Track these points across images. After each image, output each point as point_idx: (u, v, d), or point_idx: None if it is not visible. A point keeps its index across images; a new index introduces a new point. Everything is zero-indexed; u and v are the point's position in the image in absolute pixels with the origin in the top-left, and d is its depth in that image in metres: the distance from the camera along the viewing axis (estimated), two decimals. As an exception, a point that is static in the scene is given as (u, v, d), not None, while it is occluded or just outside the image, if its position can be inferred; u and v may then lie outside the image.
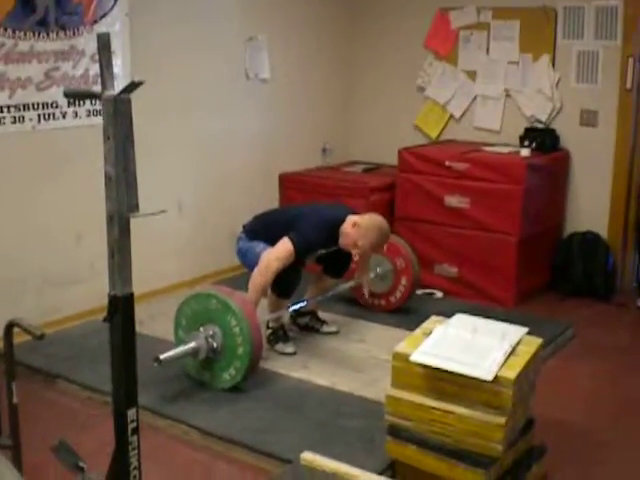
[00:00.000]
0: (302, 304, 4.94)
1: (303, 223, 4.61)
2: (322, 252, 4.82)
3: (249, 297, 4.44)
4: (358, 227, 4.59)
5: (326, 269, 5.04)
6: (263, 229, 4.79)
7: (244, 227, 4.93)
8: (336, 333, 5.08)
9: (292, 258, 4.49)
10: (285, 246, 4.48)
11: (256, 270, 4.51)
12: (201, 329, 4.19)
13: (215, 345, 4.15)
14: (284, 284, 4.59)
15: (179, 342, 4.28)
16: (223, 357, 4.16)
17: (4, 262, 4.74)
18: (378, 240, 4.67)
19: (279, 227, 4.63)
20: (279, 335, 4.81)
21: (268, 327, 4.80)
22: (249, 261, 4.75)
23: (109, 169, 2.42)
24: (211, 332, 4.16)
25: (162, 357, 3.99)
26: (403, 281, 5.39)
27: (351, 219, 4.65)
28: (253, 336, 4.10)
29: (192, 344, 4.14)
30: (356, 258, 4.91)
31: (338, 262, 5.00)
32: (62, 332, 4.92)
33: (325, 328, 5.10)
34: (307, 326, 5.11)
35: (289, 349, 4.75)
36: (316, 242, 4.64)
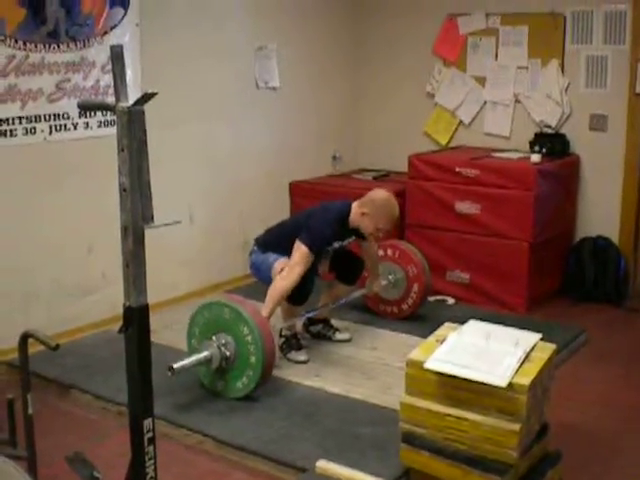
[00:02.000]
0: (315, 312, 4.95)
1: (311, 222, 4.65)
2: (338, 245, 4.83)
3: (268, 304, 4.45)
4: (367, 215, 4.65)
5: (339, 276, 5.04)
6: (275, 241, 4.80)
7: (256, 240, 4.94)
8: (349, 340, 5.08)
9: (310, 257, 4.52)
10: (299, 250, 4.51)
11: (278, 277, 4.52)
12: (214, 338, 4.19)
13: (228, 354, 4.16)
14: (298, 291, 4.59)
15: (192, 351, 4.29)
16: (236, 366, 4.17)
17: (17, 274, 4.76)
18: (391, 213, 4.70)
19: (290, 236, 4.64)
20: (292, 343, 4.81)
21: (281, 335, 4.81)
22: (263, 274, 4.77)
23: (123, 180, 2.43)
24: (224, 341, 4.17)
25: (175, 366, 4.00)
26: (415, 288, 5.39)
27: (357, 210, 4.69)
28: (265, 345, 4.10)
29: (205, 353, 4.15)
30: (381, 234, 4.84)
31: (351, 268, 5.01)
32: (75, 343, 4.92)
33: (338, 335, 5.10)
34: (320, 334, 5.11)
35: (302, 357, 4.75)
36: (328, 235, 4.67)
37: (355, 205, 4.72)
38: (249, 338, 4.10)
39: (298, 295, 4.62)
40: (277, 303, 4.50)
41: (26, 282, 4.82)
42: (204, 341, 4.23)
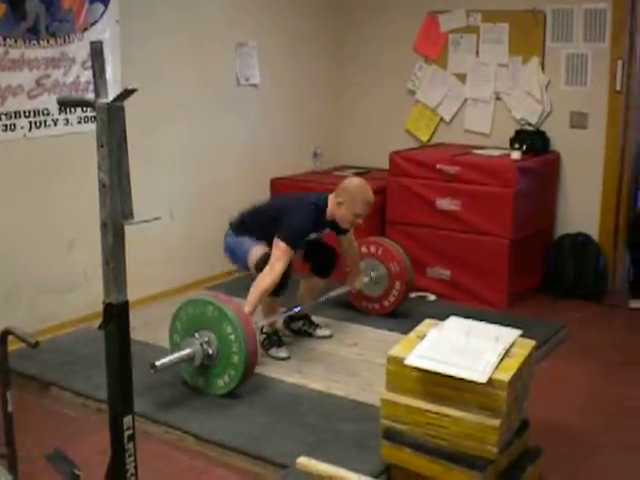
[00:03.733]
0: (296, 309, 4.96)
1: (288, 216, 4.68)
2: (314, 236, 4.86)
3: (250, 301, 4.46)
4: (343, 204, 4.70)
5: (313, 268, 5.05)
6: (249, 224, 4.85)
7: (231, 224, 4.96)
8: (330, 337, 5.09)
9: (290, 253, 4.55)
10: (279, 247, 4.53)
11: (260, 276, 4.53)
12: (196, 335, 4.19)
13: (210, 352, 4.15)
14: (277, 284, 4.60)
15: (174, 346, 4.29)
16: (218, 364, 4.16)
17: (-4, 270, 4.74)
18: (366, 197, 4.73)
19: (265, 221, 4.75)
20: (273, 340, 4.81)
21: (262, 332, 4.81)
22: (237, 257, 4.85)
23: (103, 176, 2.42)
24: (206, 339, 4.16)
25: (158, 364, 3.99)
26: (397, 285, 5.40)
27: (333, 201, 4.74)
28: (248, 344, 4.10)
29: (187, 351, 4.14)
30: (360, 221, 4.85)
31: (325, 260, 5.03)
32: (55, 339, 4.90)
33: (319, 332, 5.11)
34: (300, 330, 5.12)
35: (283, 354, 4.76)
36: (306, 230, 4.71)
37: (331, 197, 4.76)
38: (232, 337, 4.09)
39: (277, 287, 4.62)
40: (259, 300, 4.51)
41: (6, 279, 4.79)
42: (187, 338, 4.21)
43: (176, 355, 4.15)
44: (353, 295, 5.46)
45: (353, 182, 4.82)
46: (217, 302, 4.18)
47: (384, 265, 5.43)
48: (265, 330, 4.82)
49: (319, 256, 5.02)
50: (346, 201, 4.69)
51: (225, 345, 4.12)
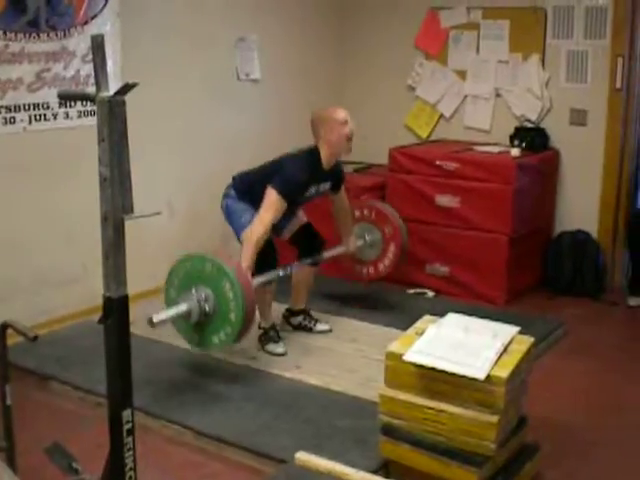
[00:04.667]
0: (296, 265, 4.93)
1: (283, 167, 4.69)
2: (314, 191, 4.84)
3: (245, 256, 4.42)
4: (327, 134, 4.75)
5: (300, 252, 5.02)
6: (252, 184, 4.77)
7: (233, 179, 4.92)
8: (329, 331, 5.10)
9: (282, 204, 4.55)
10: (270, 196, 4.53)
11: (249, 230, 4.52)
12: (193, 290, 4.10)
13: (207, 309, 4.07)
14: (260, 260, 4.57)
15: (169, 301, 4.22)
16: (214, 321, 4.09)
17: (-5, 263, 4.74)
18: (337, 113, 4.81)
19: (266, 179, 4.66)
20: (270, 335, 4.81)
21: (259, 327, 4.81)
22: (232, 222, 4.79)
23: (103, 170, 2.42)
24: (204, 295, 4.07)
25: (155, 319, 3.95)
26: (392, 248, 5.40)
27: (321, 143, 4.79)
28: (246, 303, 4.03)
29: (184, 307, 4.07)
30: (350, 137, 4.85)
31: (311, 244, 5.02)
32: (54, 333, 4.91)
33: (319, 326, 5.12)
34: (300, 325, 5.13)
35: (279, 349, 4.76)
36: (301, 181, 4.68)
37: (319, 143, 4.79)
38: (230, 294, 4.02)
39: (261, 264, 4.59)
40: (254, 253, 4.45)
41: (5, 272, 4.80)
42: (184, 292, 4.14)
43: (173, 311, 4.08)
44: (345, 260, 5.45)
45: (315, 114, 4.87)
46: (216, 260, 4.11)
47: (378, 228, 5.42)
48: (262, 325, 4.83)
49: (306, 240, 5.01)
50: (327, 129, 4.74)
51: (223, 302, 4.05)
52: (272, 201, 4.52)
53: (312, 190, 4.82)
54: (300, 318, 5.14)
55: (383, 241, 5.43)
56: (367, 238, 5.44)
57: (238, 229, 4.71)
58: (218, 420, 3.94)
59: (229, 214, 4.84)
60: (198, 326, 4.15)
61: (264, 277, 4.63)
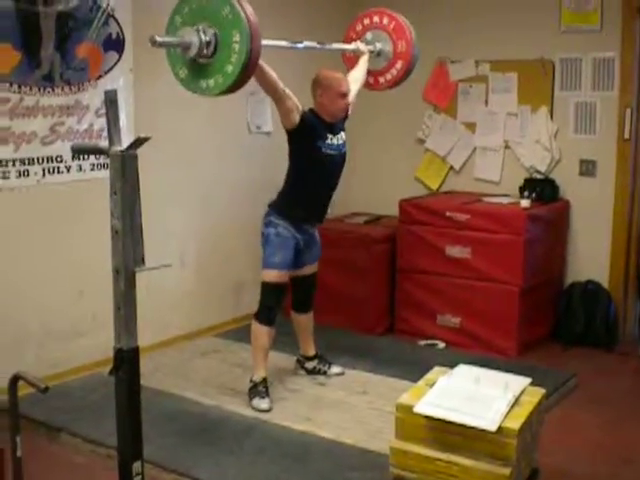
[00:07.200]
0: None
1: None
2: (331, 140, 4.92)
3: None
4: (323, 95, 4.83)
5: (294, 304, 5.12)
6: (281, 198, 4.99)
7: (269, 206, 5.00)
8: (342, 374, 5.17)
9: (299, 109, 4.71)
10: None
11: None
12: (200, 27, 3.75)
13: (206, 52, 3.77)
14: (268, 307, 4.74)
15: (172, 28, 3.89)
16: (209, 65, 3.82)
17: (6, 316, 4.75)
18: (331, 74, 4.90)
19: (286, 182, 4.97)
20: (258, 390, 4.71)
21: (250, 381, 4.77)
22: (264, 252, 4.87)
23: (116, 223, 2.45)
24: (209, 37, 3.75)
25: (159, 39, 3.69)
26: (398, 65, 5.18)
27: (315, 104, 4.88)
28: (248, 62, 3.74)
29: (188, 37, 3.75)
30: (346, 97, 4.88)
31: (305, 297, 5.09)
32: (64, 385, 4.90)
33: (333, 369, 5.18)
34: (315, 369, 5.16)
35: (264, 406, 4.64)
36: (314, 121, 4.82)
37: (315, 105, 4.87)
38: (236, 47, 3.72)
39: (269, 311, 4.74)
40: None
41: (16, 324, 4.81)
42: (189, 27, 3.79)
43: (177, 38, 3.79)
44: (350, 60, 5.31)
45: (319, 76, 4.93)
46: (237, 5, 3.73)
47: (392, 40, 5.16)
48: (253, 379, 4.76)
49: (301, 292, 5.07)
50: (322, 90, 4.80)
51: (225, 51, 3.75)
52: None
53: (329, 139, 4.88)
54: (315, 362, 5.17)
55: (392, 55, 5.17)
56: (378, 46, 5.15)
57: (263, 263, 4.82)
58: (228, 472, 3.92)
59: (265, 241, 4.88)
60: (192, 64, 3.88)
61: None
